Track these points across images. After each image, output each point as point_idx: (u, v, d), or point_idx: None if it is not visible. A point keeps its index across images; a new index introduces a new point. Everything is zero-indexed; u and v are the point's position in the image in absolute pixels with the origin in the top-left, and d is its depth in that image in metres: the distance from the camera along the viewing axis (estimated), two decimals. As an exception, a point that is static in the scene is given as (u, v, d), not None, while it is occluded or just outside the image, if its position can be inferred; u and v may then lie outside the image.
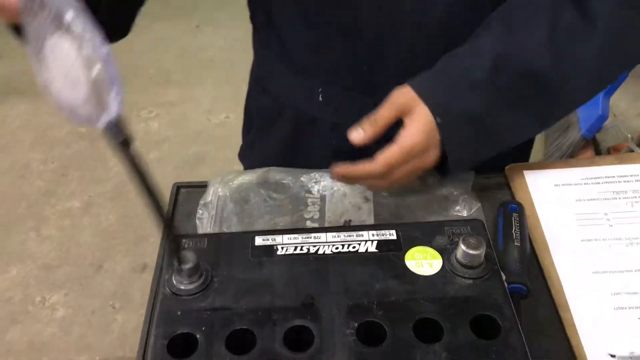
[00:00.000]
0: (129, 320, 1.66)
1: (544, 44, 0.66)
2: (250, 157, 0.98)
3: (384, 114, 0.69)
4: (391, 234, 0.54)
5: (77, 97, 0.38)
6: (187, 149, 2.11)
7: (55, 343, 1.62)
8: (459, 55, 0.68)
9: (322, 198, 0.79)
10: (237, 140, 1.00)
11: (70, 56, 0.37)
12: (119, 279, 1.75)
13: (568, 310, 0.65)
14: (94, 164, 2.08)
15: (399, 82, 0.74)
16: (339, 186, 0.80)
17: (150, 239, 1.76)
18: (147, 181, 0.43)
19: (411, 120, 0.67)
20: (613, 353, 0.61)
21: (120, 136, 0.40)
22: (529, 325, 0.46)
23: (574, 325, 0.64)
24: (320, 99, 0.81)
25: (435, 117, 0.66)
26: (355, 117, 0.80)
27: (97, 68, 0.36)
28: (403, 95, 0.68)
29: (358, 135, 0.69)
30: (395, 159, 0.66)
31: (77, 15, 0.36)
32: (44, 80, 0.40)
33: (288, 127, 0.87)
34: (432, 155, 0.68)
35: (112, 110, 0.38)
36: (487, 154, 0.71)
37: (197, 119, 2.22)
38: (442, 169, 0.71)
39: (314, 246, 0.53)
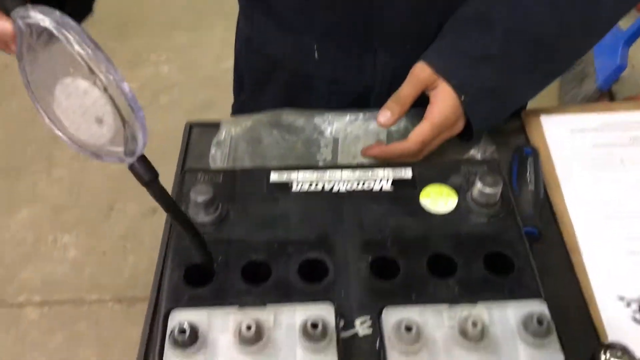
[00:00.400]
0: (140, 262, 1.68)
1: (547, 10, 0.67)
2: None
3: (407, 92, 0.70)
4: (406, 173, 0.54)
5: (101, 137, 0.37)
6: (196, 94, 2.09)
7: (67, 282, 1.66)
8: (469, 29, 0.70)
9: (335, 140, 0.79)
10: None
11: (91, 96, 0.36)
12: (130, 221, 1.77)
13: (579, 253, 0.65)
14: (104, 108, 2.07)
15: (399, 36, 0.73)
16: (352, 129, 0.79)
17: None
18: (177, 212, 0.43)
19: (437, 97, 0.69)
20: (622, 295, 0.62)
21: (147, 174, 0.39)
22: (539, 268, 0.46)
23: (584, 268, 0.64)
24: (317, 56, 0.80)
25: (459, 96, 0.67)
26: (354, 73, 0.79)
27: (124, 106, 0.36)
28: (424, 71, 0.69)
29: (385, 117, 0.69)
30: (429, 136, 0.68)
31: (96, 55, 0.35)
32: (53, 122, 0.38)
33: (282, 86, 0.85)
34: (459, 126, 0.70)
35: (140, 147, 0.37)
36: (505, 117, 0.74)
37: (206, 64, 2.20)
38: (465, 136, 0.72)
39: (329, 183, 0.53)
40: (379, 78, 0.79)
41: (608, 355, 0.50)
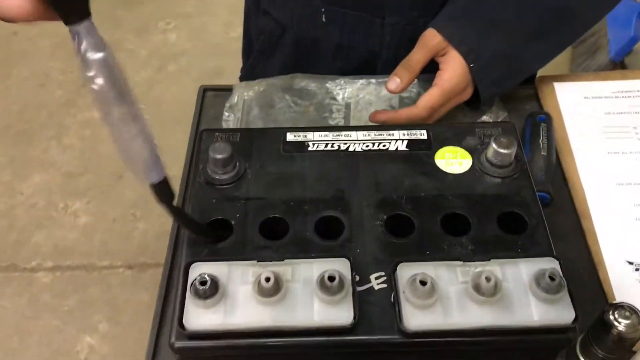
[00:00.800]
0: (150, 229, 1.70)
1: None
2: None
3: (417, 58, 0.70)
4: (422, 134, 0.54)
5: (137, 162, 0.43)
6: (205, 62, 2.09)
7: (78, 248, 1.68)
8: None
9: (347, 105, 0.79)
10: None
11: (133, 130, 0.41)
12: (140, 188, 1.77)
13: (590, 219, 0.66)
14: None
15: (408, 0, 0.73)
16: (365, 94, 0.80)
17: (169, 152, 1.78)
18: (193, 226, 0.48)
19: (446, 63, 0.69)
20: (631, 260, 0.63)
21: (167, 195, 0.45)
22: (550, 232, 0.47)
23: (594, 233, 0.65)
24: (324, 19, 0.79)
25: (468, 63, 0.68)
26: (361, 38, 0.79)
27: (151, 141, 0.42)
28: (434, 38, 0.69)
29: (395, 84, 0.70)
30: (438, 102, 0.68)
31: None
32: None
33: (290, 49, 0.85)
34: (468, 93, 0.70)
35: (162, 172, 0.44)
36: (514, 85, 0.74)
37: (215, 32, 2.19)
38: (473, 104, 0.73)
39: (345, 144, 0.54)
40: (386, 43, 0.78)
41: (616, 315, 0.51)
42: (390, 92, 0.70)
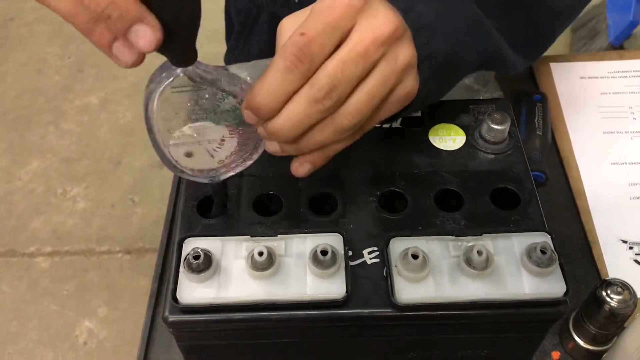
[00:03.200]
0: (149, 214, 1.70)
1: None
2: (232, 63, 0.97)
3: None
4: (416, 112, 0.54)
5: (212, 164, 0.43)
6: (202, 48, 2.07)
7: (77, 233, 1.68)
8: None
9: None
10: None
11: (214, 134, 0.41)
12: (138, 174, 1.79)
13: (584, 198, 0.66)
14: (110, 61, 2.06)
15: None
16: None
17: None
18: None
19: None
20: (625, 239, 0.63)
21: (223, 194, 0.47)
22: (544, 211, 0.47)
23: (589, 212, 0.65)
24: (296, 0, 0.78)
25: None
26: None
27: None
28: None
29: None
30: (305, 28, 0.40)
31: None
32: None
33: (265, 30, 0.85)
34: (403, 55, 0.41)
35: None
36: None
37: (213, 18, 2.18)
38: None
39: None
40: None
41: (609, 291, 0.51)
42: None
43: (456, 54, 0.45)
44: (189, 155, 0.42)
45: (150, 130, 0.40)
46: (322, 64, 0.37)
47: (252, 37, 0.87)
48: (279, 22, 0.82)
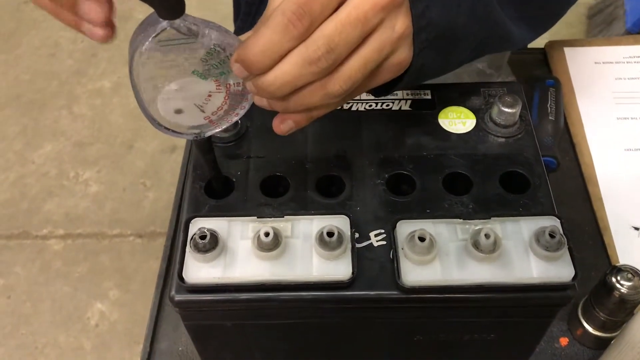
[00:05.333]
0: (160, 198, 1.71)
1: None
2: None
3: None
4: (426, 94, 0.54)
5: (195, 120, 0.41)
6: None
7: (89, 216, 1.70)
8: None
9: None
10: None
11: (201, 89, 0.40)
12: (150, 158, 1.79)
13: (596, 184, 0.65)
14: (123, 45, 2.06)
15: None
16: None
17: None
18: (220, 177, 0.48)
19: None
20: (637, 226, 0.63)
21: (207, 148, 0.45)
22: (556, 197, 0.46)
23: (600, 198, 0.64)
24: None
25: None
26: None
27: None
28: None
29: None
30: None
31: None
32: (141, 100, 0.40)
33: None
34: (401, 23, 0.39)
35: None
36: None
37: (227, 2, 2.17)
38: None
39: (348, 103, 0.53)
40: None
41: (619, 277, 0.51)
42: None
43: (454, 26, 0.43)
44: (178, 112, 0.41)
45: (134, 86, 0.39)
46: (320, 25, 0.36)
47: (257, 19, 0.86)
48: None
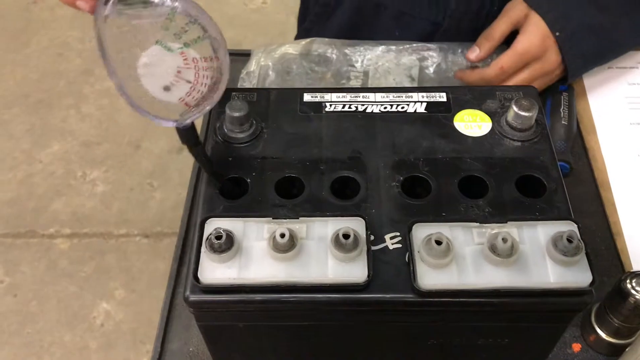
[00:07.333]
0: (167, 199, 1.71)
1: None
2: None
3: (498, 27, 0.69)
4: (441, 96, 0.53)
5: (172, 99, 0.41)
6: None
7: (96, 216, 1.70)
8: None
9: (366, 73, 0.79)
10: (274, 28, 0.97)
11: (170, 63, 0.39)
12: (157, 158, 1.80)
13: (609, 189, 0.65)
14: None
15: None
16: (384, 62, 0.79)
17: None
18: (212, 171, 0.47)
19: (524, 27, 0.67)
20: (651, 231, 0.62)
21: (192, 139, 0.44)
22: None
23: (614, 204, 0.64)
24: None
25: (553, 32, 0.65)
26: (425, 5, 0.77)
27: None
28: (516, 7, 0.68)
29: (475, 53, 0.71)
30: (508, 63, 0.67)
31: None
32: (118, 79, 0.40)
33: (349, 14, 0.83)
34: (552, 60, 0.67)
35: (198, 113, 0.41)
36: (605, 61, 0.72)
37: (233, 3, 2.17)
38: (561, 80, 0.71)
39: (362, 105, 0.53)
40: (450, 12, 0.76)
41: (634, 283, 0.50)
42: (470, 61, 0.71)
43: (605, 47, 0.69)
44: (167, 88, 0.40)
45: (105, 60, 0.38)
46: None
47: (331, 22, 0.85)
48: (367, 7, 0.82)
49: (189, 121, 0.42)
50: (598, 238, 0.63)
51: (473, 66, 0.74)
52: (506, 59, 0.67)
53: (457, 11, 0.75)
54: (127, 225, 1.69)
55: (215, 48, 0.38)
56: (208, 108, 0.42)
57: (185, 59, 0.40)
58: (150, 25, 0.38)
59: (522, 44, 0.66)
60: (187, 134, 0.44)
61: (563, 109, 0.69)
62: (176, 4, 0.37)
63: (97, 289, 1.56)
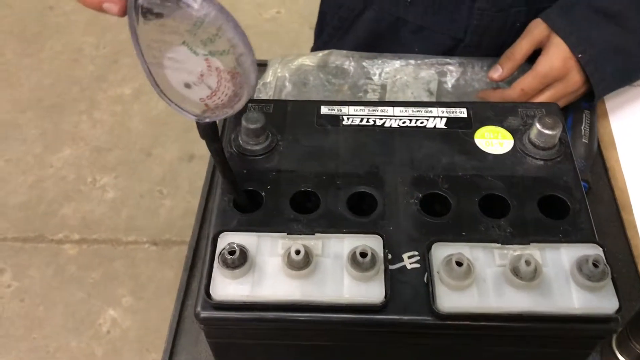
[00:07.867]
0: (177, 207, 1.71)
1: None
2: None
3: (521, 47, 0.69)
4: (462, 112, 0.52)
5: (192, 96, 0.40)
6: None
7: (105, 222, 1.69)
8: None
9: (383, 86, 0.78)
10: (288, 38, 0.96)
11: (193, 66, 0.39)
12: (168, 165, 1.79)
13: (630, 211, 0.63)
14: (145, 52, 2.08)
15: None
16: (402, 75, 0.78)
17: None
18: (227, 172, 0.45)
19: (546, 49, 0.67)
20: (673, 255, 0.60)
21: (211, 134, 0.43)
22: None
23: (635, 226, 0.62)
24: (409, 0, 0.76)
25: (575, 55, 0.65)
26: (446, 20, 0.76)
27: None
28: (538, 27, 0.68)
29: (497, 72, 0.70)
30: (529, 84, 0.67)
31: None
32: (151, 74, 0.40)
33: (368, 27, 0.82)
34: (575, 80, 0.66)
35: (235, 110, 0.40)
36: (630, 82, 0.71)
37: (248, 11, 2.18)
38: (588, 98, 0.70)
39: (381, 119, 0.52)
40: (471, 28, 0.75)
41: (658, 309, 0.49)
42: (492, 80, 0.71)
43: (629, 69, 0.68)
44: (188, 86, 0.40)
45: (136, 46, 0.38)
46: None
47: (350, 35, 0.84)
48: (386, 21, 0.81)
49: (208, 120, 0.41)
50: (619, 261, 0.61)
51: (495, 86, 0.72)
52: (527, 81, 0.66)
53: (478, 27, 0.74)
54: (136, 232, 1.68)
55: (241, 64, 0.38)
56: (230, 114, 0.41)
57: (209, 66, 0.39)
58: (179, 26, 0.37)
59: (543, 66, 0.65)
60: (206, 128, 0.42)
61: (584, 126, 0.67)
62: (208, 12, 0.36)
63: (105, 296, 1.55)
